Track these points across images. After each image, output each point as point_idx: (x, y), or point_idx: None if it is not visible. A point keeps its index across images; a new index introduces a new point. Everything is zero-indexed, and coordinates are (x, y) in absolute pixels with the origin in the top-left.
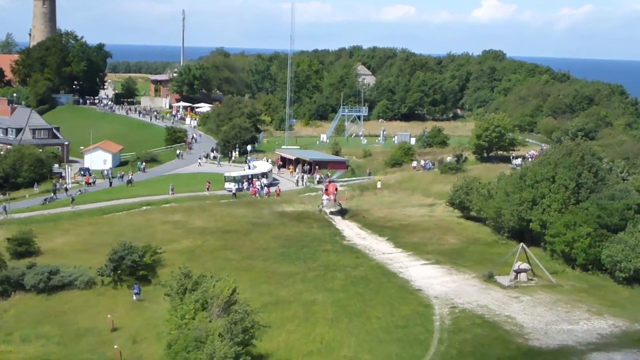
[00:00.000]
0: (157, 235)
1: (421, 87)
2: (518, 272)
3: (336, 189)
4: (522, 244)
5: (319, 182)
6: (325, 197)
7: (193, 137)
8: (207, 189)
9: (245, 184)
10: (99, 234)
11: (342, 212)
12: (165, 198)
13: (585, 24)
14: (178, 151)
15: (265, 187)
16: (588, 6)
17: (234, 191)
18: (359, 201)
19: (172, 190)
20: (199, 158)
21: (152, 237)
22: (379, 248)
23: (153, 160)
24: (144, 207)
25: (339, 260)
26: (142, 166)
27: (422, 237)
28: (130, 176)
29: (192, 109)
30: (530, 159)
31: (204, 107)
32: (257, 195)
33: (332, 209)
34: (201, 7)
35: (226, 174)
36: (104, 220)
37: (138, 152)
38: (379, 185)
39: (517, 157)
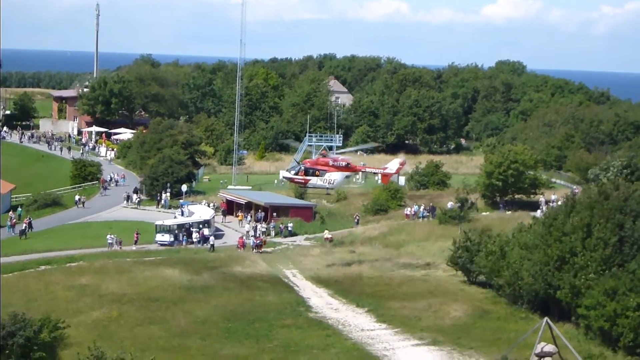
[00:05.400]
0: (58, 305)
1: (413, 109)
2: (541, 356)
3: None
4: (546, 318)
5: (276, 235)
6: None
7: (111, 177)
8: (135, 242)
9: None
10: None
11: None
12: (69, 255)
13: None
14: (77, 197)
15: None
16: (635, 4)
17: (211, 244)
18: (329, 259)
19: (118, 242)
20: (127, 199)
21: (52, 307)
22: (357, 323)
23: (55, 204)
24: (42, 267)
25: (303, 339)
26: (22, 226)
27: (414, 309)
28: (24, 225)
29: (109, 135)
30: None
31: (125, 134)
32: (243, 248)
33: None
34: (122, 1)
35: (157, 223)
36: None
37: (35, 192)
38: (326, 234)
39: (548, 202)
